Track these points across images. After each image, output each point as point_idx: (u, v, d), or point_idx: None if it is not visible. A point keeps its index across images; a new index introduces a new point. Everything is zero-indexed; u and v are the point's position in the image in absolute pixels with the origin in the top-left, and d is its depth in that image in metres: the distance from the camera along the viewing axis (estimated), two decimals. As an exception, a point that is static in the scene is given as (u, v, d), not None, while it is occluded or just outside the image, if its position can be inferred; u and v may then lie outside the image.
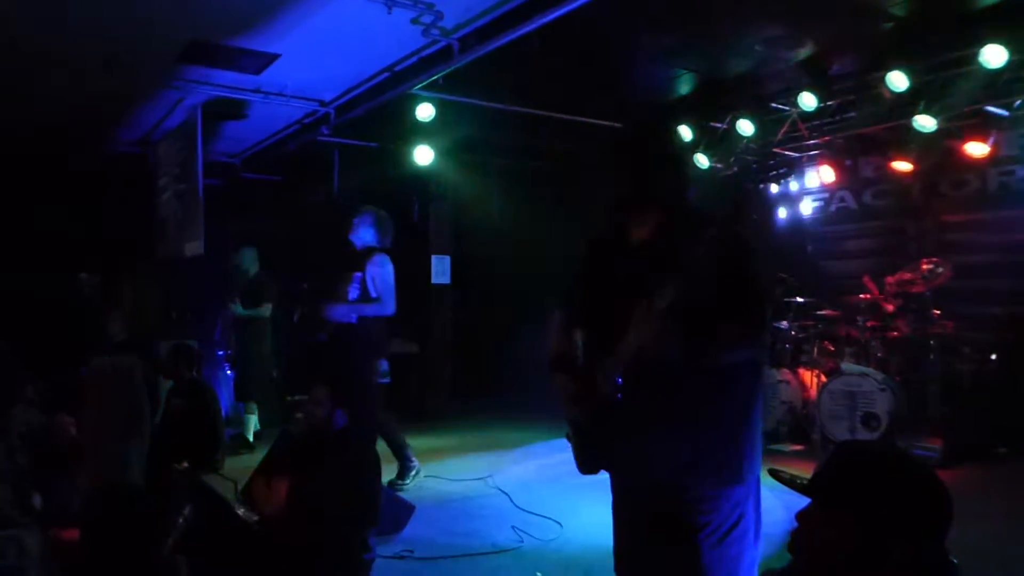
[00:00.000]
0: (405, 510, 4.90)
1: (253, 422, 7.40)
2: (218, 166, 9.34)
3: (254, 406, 7.45)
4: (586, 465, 2.47)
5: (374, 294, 5.61)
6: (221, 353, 8.02)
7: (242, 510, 4.31)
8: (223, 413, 6.66)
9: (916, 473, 1.55)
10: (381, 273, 5.65)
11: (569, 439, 2.49)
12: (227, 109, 7.49)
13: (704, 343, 2.09)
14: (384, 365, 5.79)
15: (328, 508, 3.62)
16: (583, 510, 5.25)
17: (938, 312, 6.80)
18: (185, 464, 5.24)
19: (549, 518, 5.05)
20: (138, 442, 3.46)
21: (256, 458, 6.34)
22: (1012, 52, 5.87)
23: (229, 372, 8.10)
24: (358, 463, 3.88)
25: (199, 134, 7.00)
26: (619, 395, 2.21)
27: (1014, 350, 6.80)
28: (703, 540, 2.29)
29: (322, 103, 7.43)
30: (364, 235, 5.84)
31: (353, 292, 5.66)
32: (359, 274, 5.67)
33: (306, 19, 5.45)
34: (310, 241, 9.89)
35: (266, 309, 7.53)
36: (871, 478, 1.53)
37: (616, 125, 8.29)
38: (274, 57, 6.25)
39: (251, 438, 7.29)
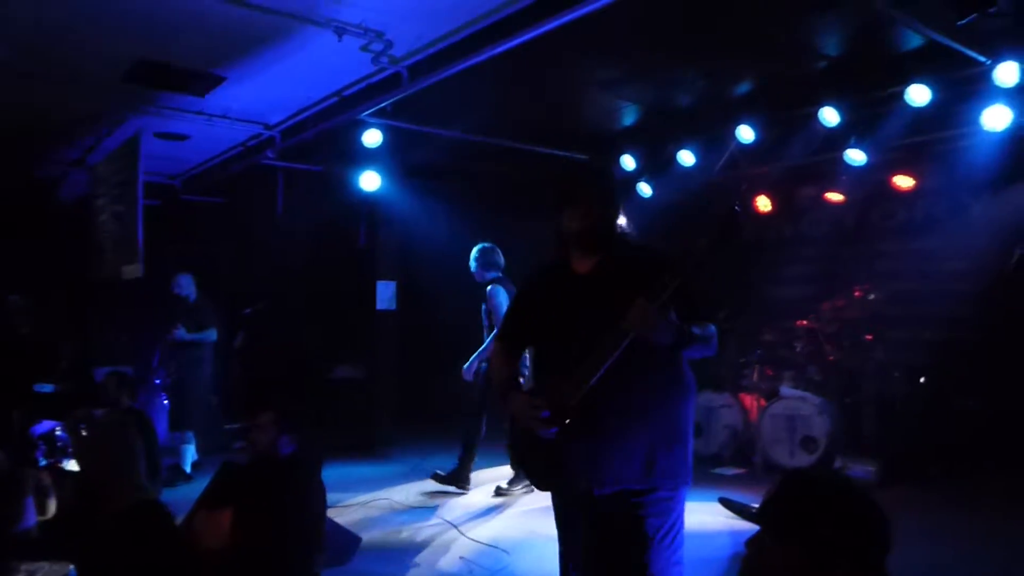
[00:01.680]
0: (352, 541, 4.83)
1: (191, 452, 7.19)
2: (158, 187, 9.16)
3: (192, 435, 7.25)
4: (542, 476, 2.61)
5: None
6: (158, 381, 7.80)
7: (183, 542, 4.20)
8: (159, 443, 6.48)
9: (857, 500, 1.64)
10: (497, 305, 6.27)
11: (513, 450, 2.68)
12: (169, 130, 7.38)
13: (689, 335, 2.36)
14: None
15: (273, 539, 3.55)
16: (531, 538, 5.26)
17: (871, 337, 7.05)
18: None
19: (497, 547, 5.04)
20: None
21: (194, 489, 6.18)
22: (935, 91, 6.18)
23: (166, 401, 7.88)
24: (304, 492, 3.83)
25: (139, 154, 6.88)
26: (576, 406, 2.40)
27: (942, 373, 7.10)
28: (659, 542, 2.41)
29: (267, 126, 7.38)
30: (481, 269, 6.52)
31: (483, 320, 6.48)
32: (483, 305, 6.43)
33: (254, 43, 5.43)
34: (253, 265, 9.76)
35: (211, 334, 7.37)
36: (816, 506, 1.62)
37: (562, 154, 8.46)
38: (220, 80, 6.19)
39: (188, 469, 7.08)
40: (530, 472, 2.69)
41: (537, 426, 2.46)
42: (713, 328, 2.50)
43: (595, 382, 2.35)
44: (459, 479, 6.55)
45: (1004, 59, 5.66)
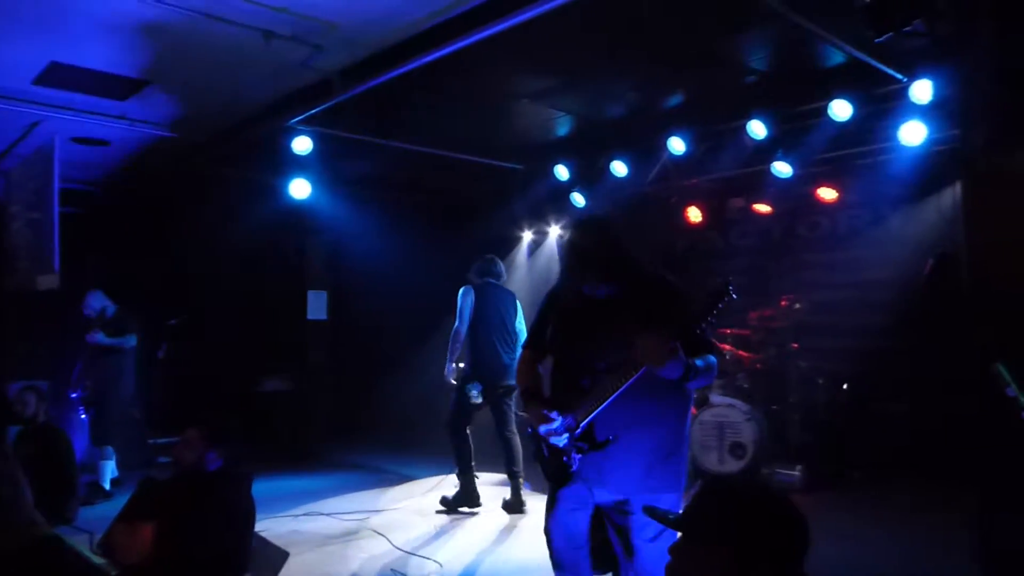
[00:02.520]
0: (279, 557, 4.69)
1: (111, 468, 6.91)
2: (77, 194, 8.82)
3: (112, 451, 6.96)
4: (557, 478, 2.88)
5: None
6: (76, 395, 7.47)
7: (100, 562, 4.02)
8: (77, 459, 6.21)
9: (775, 503, 1.68)
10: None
11: (537, 458, 2.94)
12: (88, 135, 7.10)
13: (693, 368, 2.63)
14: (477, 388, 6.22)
15: (197, 555, 3.43)
16: (462, 548, 5.22)
17: (796, 345, 7.23)
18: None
19: (428, 558, 4.98)
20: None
21: (114, 507, 5.94)
22: (856, 107, 6.40)
23: (84, 415, 7.55)
24: (229, 507, 3.71)
25: (56, 160, 6.60)
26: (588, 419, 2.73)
27: (863, 381, 7.33)
28: (652, 541, 2.72)
29: (193, 132, 7.18)
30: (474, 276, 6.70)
31: None
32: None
33: (178, 45, 5.28)
34: (179, 274, 9.47)
35: (131, 339, 7.09)
36: (735, 510, 1.66)
37: (496, 163, 8.47)
38: (142, 83, 6.00)
39: (108, 486, 6.80)
40: (546, 473, 2.92)
41: (550, 436, 2.79)
42: (713, 359, 2.77)
43: (599, 412, 2.68)
44: (467, 500, 6.33)
45: (919, 77, 5.90)
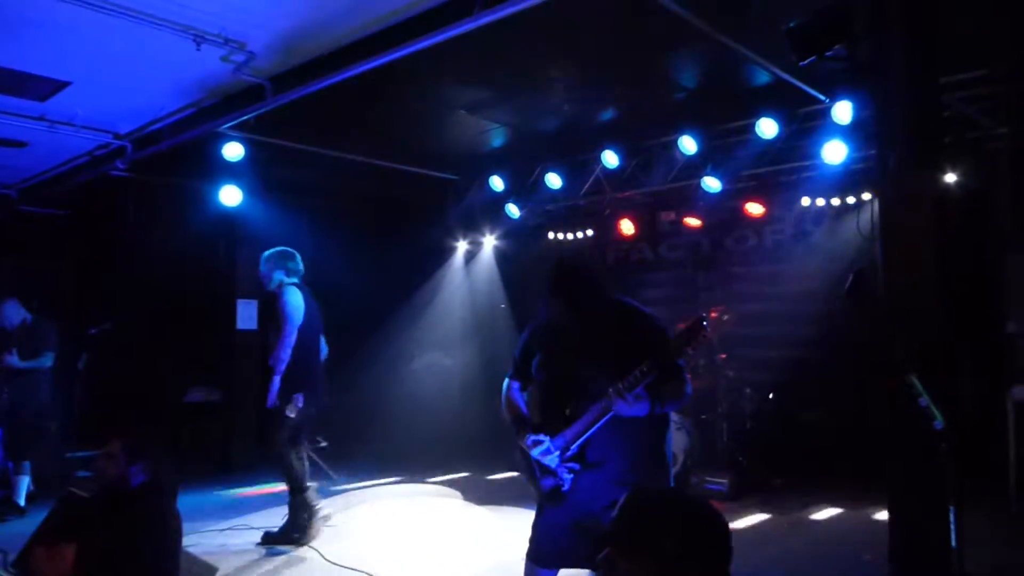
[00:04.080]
0: (207, 572, 4.58)
1: (26, 483, 6.63)
2: (-9, 197, 8.48)
3: (26, 465, 6.67)
4: (550, 499, 3.02)
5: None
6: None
7: (13, 584, 3.86)
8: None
9: (697, 511, 1.72)
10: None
11: (530, 480, 3.08)
12: (3, 135, 6.83)
13: (662, 399, 2.84)
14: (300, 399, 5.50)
15: (122, 574, 3.32)
16: (396, 559, 5.18)
17: (724, 356, 7.41)
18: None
19: (361, 571, 4.92)
20: None
21: (29, 524, 5.70)
22: (781, 125, 6.64)
23: (-3, 429, 7.21)
24: (155, 523, 3.60)
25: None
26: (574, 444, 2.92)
27: (787, 390, 7.56)
28: None
29: (117, 135, 6.97)
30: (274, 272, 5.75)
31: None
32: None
33: (102, 46, 5.12)
34: (101, 282, 9.16)
35: (47, 359, 6.81)
36: (660, 521, 1.69)
37: (431, 173, 8.46)
38: (63, 84, 5.81)
39: (22, 502, 6.52)
40: (539, 494, 3.06)
41: (542, 459, 2.97)
42: (683, 387, 2.95)
43: (585, 439, 2.90)
44: (294, 533, 5.50)
45: (840, 98, 6.15)
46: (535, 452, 2.98)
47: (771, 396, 7.57)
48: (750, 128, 6.80)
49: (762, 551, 5.08)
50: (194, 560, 4.65)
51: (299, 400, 5.44)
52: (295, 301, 5.58)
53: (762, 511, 6.25)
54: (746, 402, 7.41)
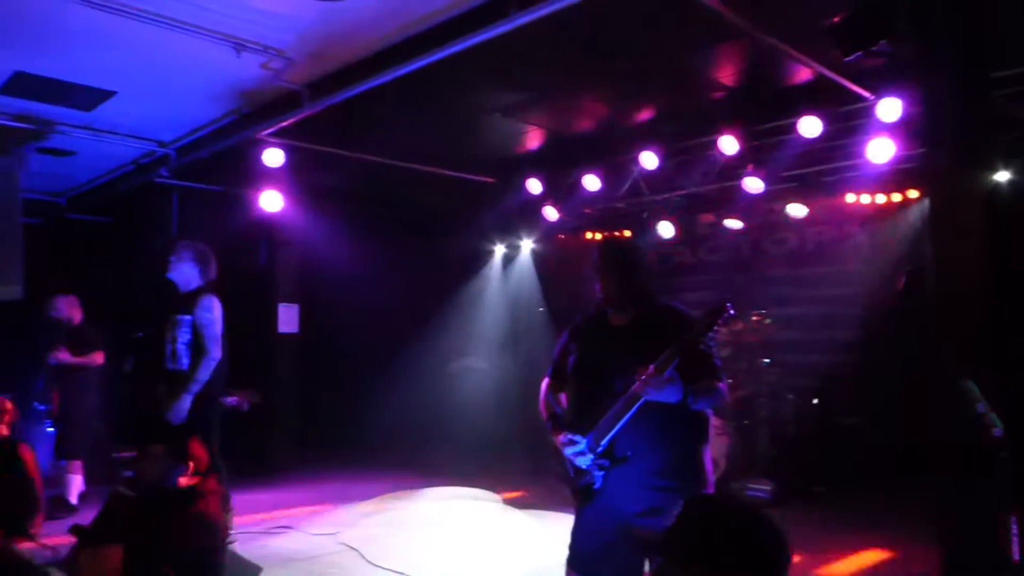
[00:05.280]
0: (250, 572, 4.63)
1: (77, 482, 6.78)
2: (41, 205, 8.68)
3: (78, 464, 6.82)
4: (583, 496, 3.00)
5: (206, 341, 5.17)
6: (42, 408, 7.31)
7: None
8: (43, 473, 6.07)
9: (757, 522, 1.66)
10: (210, 319, 5.18)
11: (564, 479, 3.06)
12: (53, 145, 6.99)
13: (695, 392, 2.79)
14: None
15: (167, 573, 3.36)
16: (434, 561, 5.18)
17: (767, 361, 7.29)
18: (-5, 533, 4.72)
19: (400, 572, 4.92)
20: None
21: (80, 522, 5.82)
22: (824, 124, 6.50)
23: (50, 429, 7.40)
24: (199, 523, 3.65)
25: (19, 171, 6.49)
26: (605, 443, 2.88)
27: (831, 395, 7.41)
28: None
29: (161, 143, 7.12)
30: (187, 274, 5.33)
31: (184, 336, 5.24)
32: (188, 317, 5.17)
33: (146, 56, 5.23)
34: (144, 287, 9.33)
35: (96, 357, 6.96)
36: (718, 531, 1.64)
37: (467, 177, 8.46)
38: (108, 94, 5.94)
39: (74, 500, 6.67)
40: (572, 494, 3.04)
41: (576, 457, 2.94)
42: (716, 384, 2.90)
43: (617, 432, 2.85)
44: None
45: (886, 95, 6.00)
46: (568, 451, 2.96)
47: (814, 401, 7.42)
48: (791, 127, 6.67)
49: (809, 561, 4.95)
50: (238, 559, 4.71)
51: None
52: (216, 313, 5.24)
53: (805, 519, 6.10)
54: (788, 407, 7.27)
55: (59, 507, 6.51)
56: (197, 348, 5.15)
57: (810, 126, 6.50)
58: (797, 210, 7.76)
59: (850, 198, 7.50)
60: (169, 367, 5.20)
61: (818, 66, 5.51)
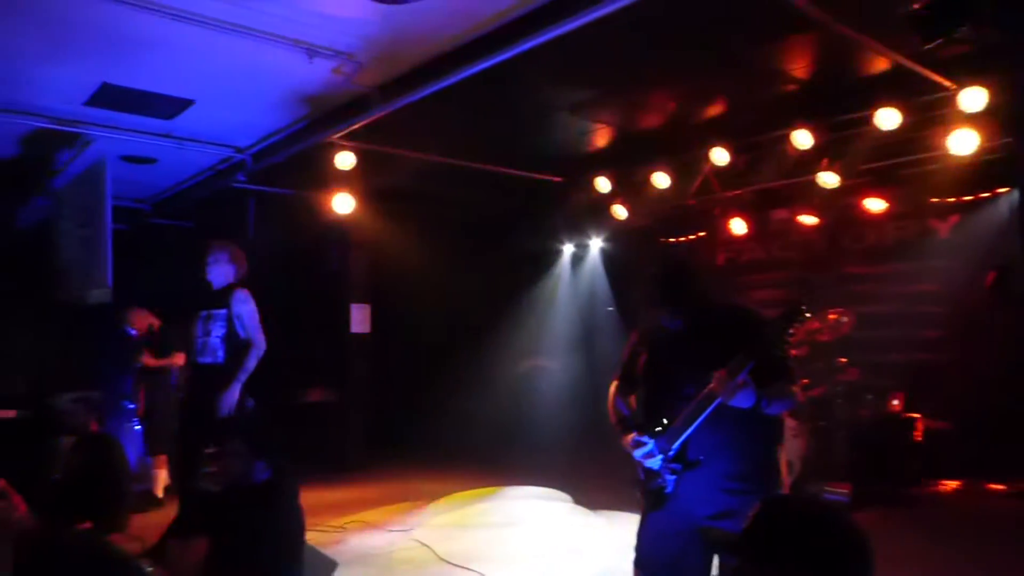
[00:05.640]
0: (328, 566, 4.73)
1: (163, 477, 7.06)
2: (126, 211, 9.04)
3: (163, 460, 7.11)
4: (653, 500, 2.97)
5: (243, 334, 5.29)
6: (131, 406, 7.64)
7: (150, 571, 4.08)
8: (130, 468, 6.32)
9: (839, 525, 1.59)
10: (248, 311, 5.28)
11: (633, 481, 3.06)
12: (137, 153, 7.29)
13: (768, 395, 2.74)
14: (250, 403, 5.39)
15: (249, 567, 3.46)
16: (505, 560, 5.20)
17: (844, 360, 7.08)
18: (87, 524, 4.93)
19: (472, 570, 4.96)
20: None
21: (166, 515, 6.05)
22: (903, 115, 6.28)
23: (137, 426, 7.72)
24: (279, 518, 3.73)
25: (107, 178, 6.77)
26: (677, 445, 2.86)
27: (912, 396, 7.14)
28: None
29: (238, 149, 7.33)
30: (223, 273, 5.46)
31: (219, 330, 5.33)
32: (223, 311, 5.28)
33: (223, 65, 5.39)
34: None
35: (178, 359, 7.24)
36: (797, 533, 1.57)
37: (535, 176, 8.47)
38: (188, 103, 6.15)
39: (160, 494, 6.94)
40: (642, 498, 3.03)
41: (644, 461, 2.94)
42: (790, 387, 2.85)
43: (688, 435, 2.83)
44: None
45: (968, 84, 5.76)
46: (637, 453, 2.94)
47: (894, 402, 7.17)
48: (868, 119, 6.47)
49: (890, 570, 4.77)
50: (316, 554, 4.82)
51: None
52: (253, 305, 5.34)
53: (886, 524, 5.91)
54: (867, 408, 7.05)
55: (146, 501, 6.78)
56: (233, 341, 5.25)
57: (888, 118, 6.29)
58: (875, 205, 7.53)
59: (932, 192, 7.23)
60: (199, 361, 5.33)
61: (895, 55, 5.34)
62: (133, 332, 7.23)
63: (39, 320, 8.83)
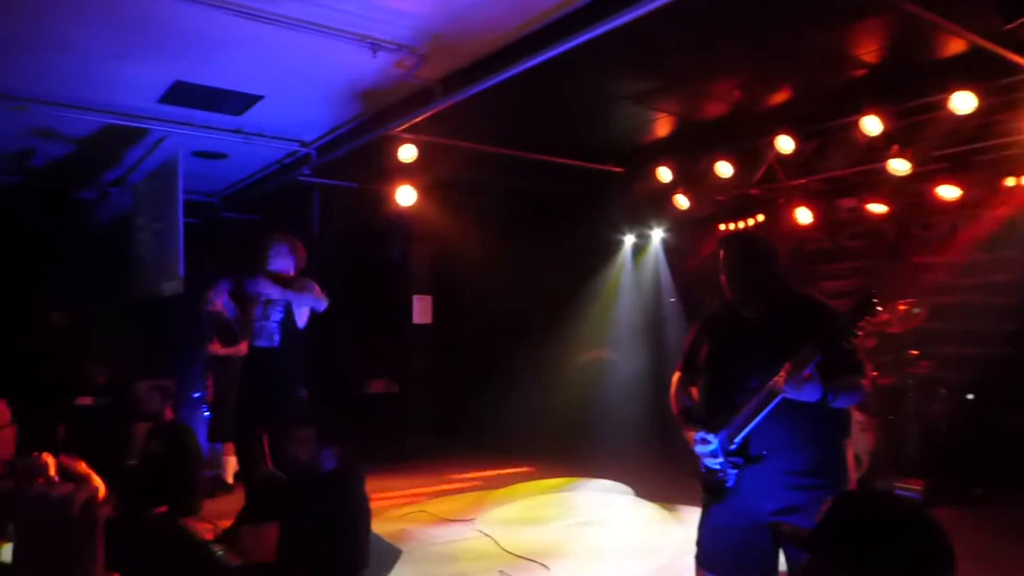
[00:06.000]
0: (391, 553, 4.82)
1: (232, 463, 7.26)
2: (196, 205, 9.30)
3: (232, 447, 7.31)
4: (714, 493, 2.95)
5: (300, 323, 5.45)
6: (198, 394, 7.88)
7: (222, 554, 4.21)
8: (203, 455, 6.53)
9: (920, 523, 1.53)
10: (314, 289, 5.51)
11: (695, 474, 3.03)
12: (208, 148, 7.49)
13: (836, 389, 2.68)
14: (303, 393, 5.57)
15: (318, 554, 3.54)
16: (568, 551, 5.21)
17: (915, 353, 6.87)
18: (163, 508, 5.12)
19: (535, 561, 4.99)
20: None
21: (235, 500, 6.23)
22: (979, 99, 6.04)
23: (206, 413, 7.98)
24: (347, 506, 3.82)
25: (180, 174, 6.98)
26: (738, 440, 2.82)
27: (990, 391, 6.89)
28: None
29: (303, 143, 7.46)
30: (283, 265, 5.66)
31: (277, 315, 5.52)
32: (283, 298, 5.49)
33: (290, 60, 5.49)
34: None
35: (244, 347, 7.43)
36: (875, 530, 1.52)
37: (596, 167, 8.42)
38: (256, 98, 6.28)
39: (230, 480, 7.15)
40: (704, 489, 2.99)
41: (705, 457, 2.91)
42: (858, 381, 2.80)
43: (753, 427, 2.79)
44: None
45: (1051, 65, 5.52)
46: (700, 450, 2.92)
47: (970, 397, 6.92)
48: (941, 103, 6.24)
49: (966, 568, 4.63)
50: (380, 543, 4.91)
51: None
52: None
53: (961, 522, 5.72)
54: (941, 403, 6.83)
55: (216, 487, 7.00)
56: (290, 327, 5.47)
57: (963, 101, 6.05)
58: (949, 192, 7.27)
59: (1010, 179, 6.95)
60: (255, 344, 5.49)
61: (972, 36, 5.13)
62: (211, 308, 7.42)
63: (118, 311, 9.17)
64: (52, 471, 2.86)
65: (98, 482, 3.64)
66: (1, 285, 8.36)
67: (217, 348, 7.39)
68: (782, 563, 2.84)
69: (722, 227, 9.32)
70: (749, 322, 2.96)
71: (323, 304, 5.53)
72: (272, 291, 5.40)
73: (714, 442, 2.85)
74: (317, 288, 5.58)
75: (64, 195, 8.93)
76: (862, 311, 2.62)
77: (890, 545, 1.49)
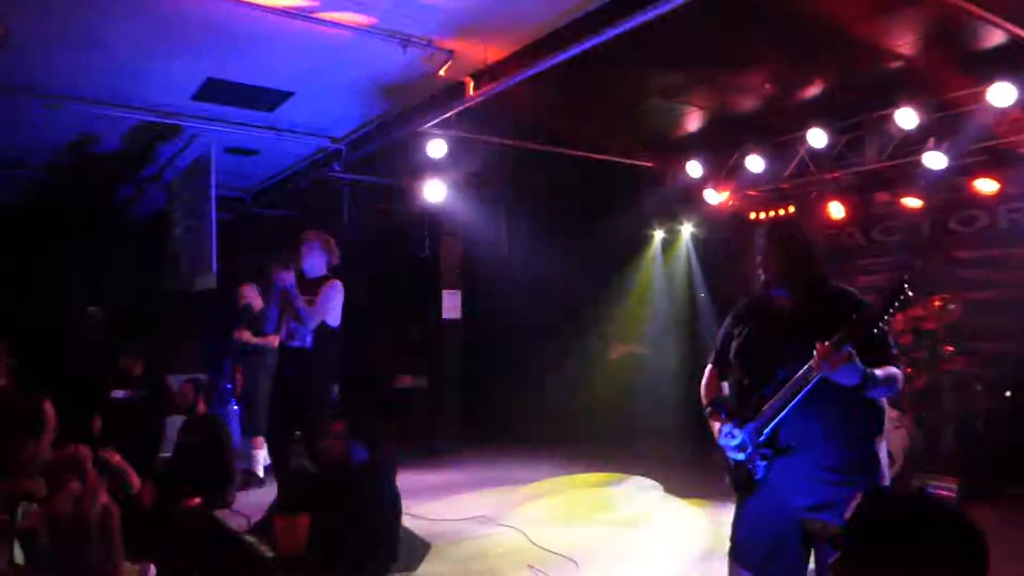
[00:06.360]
0: (421, 547, 4.85)
1: (262, 456, 7.34)
2: (229, 201, 9.41)
3: (263, 440, 7.39)
4: (743, 487, 2.90)
5: (332, 324, 5.40)
6: (228, 387, 7.98)
7: (254, 544, 4.28)
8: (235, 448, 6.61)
9: (953, 522, 1.51)
10: (334, 306, 5.40)
11: (723, 467, 2.97)
12: (240, 145, 7.57)
13: (872, 376, 2.59)
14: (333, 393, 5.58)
15: (349, 545, 3.59)
16: (598, 548, 5.21)
17: (951, 349, 6.75)
18: (197, 499, 5.21)
19: (565, 556, 4.99)
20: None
21: (266, 493, 6.31)
22: (1020, 90, 5.91)
23: (236, 406, 8.06)
24: (378, 499, 3.86)
25: (213, 170, 7.06)
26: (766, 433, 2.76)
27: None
28: None
29: (333, 139, 7.51)
30: (316, 262, 5.61)
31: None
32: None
33: (321, 57, 5.54)
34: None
35: (274, 340, 7.49)
36: (907, 528, 1.50)
37: (626, 161, 8.38)
38: (287, 95, 6.34)
39: (261, 473, 7.23)
40: (733, 482, 2.96)
41: (730, 451, 2.87)
42: (895, 370, 2.70)
43: (783, 417, 2.72)
44: None
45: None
46: (724, 442, 2.89)
47: (1008, 394, 6.79)
48: (979, 96, 6.12)
49: (1006, 569, 4.55)
50: (410, 535, 4.94)
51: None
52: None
53: (998, 521, 5.62)
54: (977, 400, 6.71)
55: (248, 479, 7.08)
56: (323, 328, 5.37)
57: (1002, 94, 5.94)
58: (987, 186, 7.13)
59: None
60: (288, 345, 5.48)
61: (1011, 26, 5.03)
62: (244, 302, 7.48)
63: (154, 305, 9.32)
64: (88, 463, 2.92)
65: (132, 474, 3.72)
66: (41, 280, 8.54)
67: (247, 336, 7.42)
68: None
69: (752, 220, 9.24)
70: (781, 311, 2.90)
71: (334, 320, 5.47)
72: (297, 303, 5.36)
73: (739, 435, 2.82)
74: (336, 296, 5.51)
75: (102, 192, 9.08)
76: (895, 295, 2.55)
77: (922, 545, 1.47)
